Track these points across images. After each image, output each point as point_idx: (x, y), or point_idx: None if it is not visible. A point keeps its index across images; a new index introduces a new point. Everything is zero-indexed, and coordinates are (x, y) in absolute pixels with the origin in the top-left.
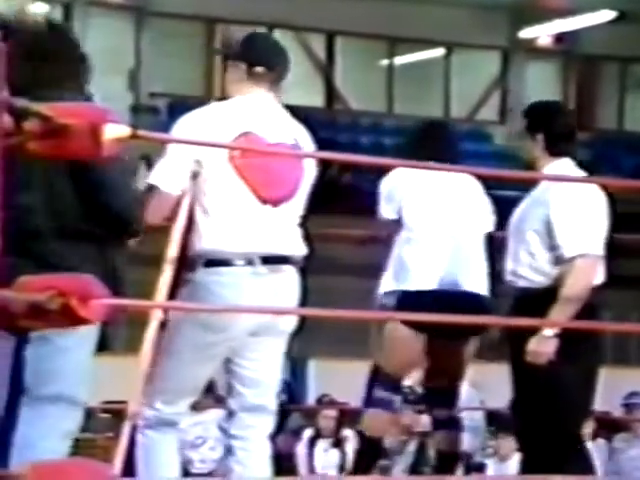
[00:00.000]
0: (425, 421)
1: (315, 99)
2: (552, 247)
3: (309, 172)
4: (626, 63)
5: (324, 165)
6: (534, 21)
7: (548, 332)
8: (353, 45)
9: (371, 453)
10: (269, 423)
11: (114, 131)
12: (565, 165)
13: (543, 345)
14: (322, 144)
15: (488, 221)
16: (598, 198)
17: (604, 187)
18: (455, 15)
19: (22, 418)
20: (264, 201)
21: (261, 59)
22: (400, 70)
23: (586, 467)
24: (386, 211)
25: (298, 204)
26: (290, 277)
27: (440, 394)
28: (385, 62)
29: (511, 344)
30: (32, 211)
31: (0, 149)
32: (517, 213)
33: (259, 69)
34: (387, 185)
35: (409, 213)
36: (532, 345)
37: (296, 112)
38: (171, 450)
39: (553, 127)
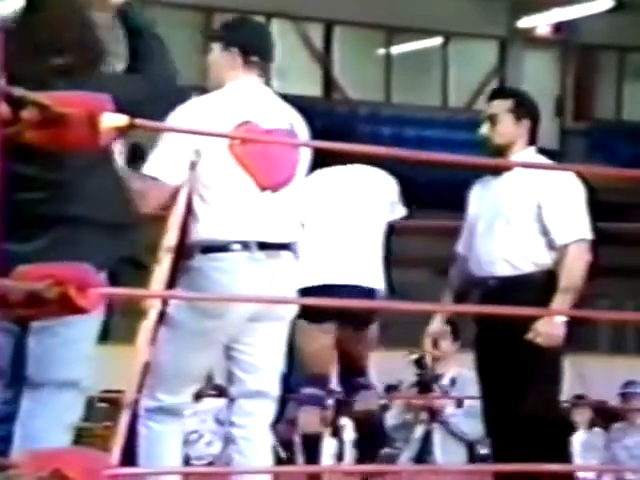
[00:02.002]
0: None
1: (313, 88)
2: (544, 232)
3: (305, 156)
4: (624, 52)
5: (322, 155)
6: (532, 10)
7: (559, 317)
8: (351, 34)
9: (310, 450)
10: (270, 410)
11: (112, 120)
12: (533, 153)
13: (555, 328)
14: (320, 134)
15: (386, 213)
16: (579, 184)
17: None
18: (453, 4)
19: (24, 410)
20: (263, 188)
21: (257, 48)
22: (398, 59)
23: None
24: None
25: (295, 189)
26: (287, 263)
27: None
28: (383, 51)
29: (500, 332)
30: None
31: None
32: (489, 199)
33: (254, 58)
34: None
35: (308, 212)
36: (543, 327)
37: (294, 101)
38: (174, 441)
39: (538, 114)
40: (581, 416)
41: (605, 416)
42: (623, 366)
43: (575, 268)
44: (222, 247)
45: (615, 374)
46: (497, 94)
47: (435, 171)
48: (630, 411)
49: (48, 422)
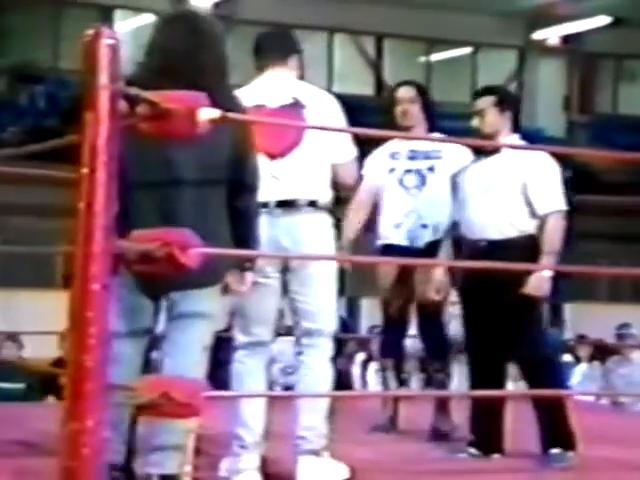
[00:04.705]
0: None
1: (367, 89)
2: (527, 204)
3: (315, 122)
4: (621, 59)
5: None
6: (545, 25)
7: (546, 273)
8: (398, 45)
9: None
10: (328, 345)
11: (207, 114)
12: (517, 139)
13: (544, 282)
14: (374, 126)
15: None
16: (556, 164)
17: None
18: (481, 20)
19: (173, 342)
20: (272, 156)
21: (258, 49)
22: (436, 65)
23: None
24: None
25: (308, 152)
26: (305, 216)
27: None
28: (424, 59)
29: (494, 286)
30: None
31: (118, 129)
32: (478, 177)
33: (259, 55)
34: None
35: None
36: (534, 282)
37: (351, 100)
38: (258, 371)
39: (518, 106)
40: (583, 351)
41: (603, 351)
42: (618, 311)
43: (555, 234)
44: None
45: (612, 318)
46: (482, 92)
47: None
48: (624, 347)
49: (193, 342)
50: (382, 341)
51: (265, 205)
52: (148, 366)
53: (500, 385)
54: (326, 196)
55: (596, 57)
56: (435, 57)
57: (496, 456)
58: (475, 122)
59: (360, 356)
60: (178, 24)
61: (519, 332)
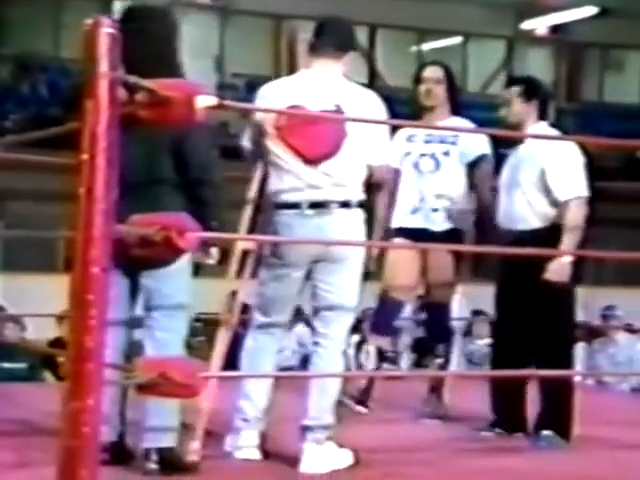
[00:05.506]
0: None
1: (360, 78)
2: (548, 193)
3: (354, 131)
4: (607, 49)
5: None
6: (533, 15)
7: (566, 259)
8: (390, 35)
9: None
10: (342, 337)
11: (205, 101)
12: (545, 127)
13: (564, 267)
14: None
15: None
16: (577, 151)
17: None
18: (471, 11)
19: (154, 326)
20: (307, 160)
21: (317, 39)
22: (427, 54)
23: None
24: None
25: (345, 156)
26: (337, 216)
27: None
28: (415, 48)
29: (524, 271)
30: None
31: (117, 116)
32: (508, 168)
33: (315, 46)
34: None
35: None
36: (555, 266)
37: None
38: (269, 352)
39: (546, 94)
40: None
41: (588, 334)
42: (602, 294)
43: (576, 220)
44: (283, 205)
45: (596, 300)
46: (511, 82)
47: None
48: (609, 329)
49: (172, 335)
50: (374, 320)
51: (297, 206)
52: (130, 348)
53: (522, 364)
54: (359, 194)
55: (583, 47)
56: (426, 47)
57: (519, 435)
58: (503, 112)
59: (354, 338)
60: (131, 20)
61: (543, 317)
